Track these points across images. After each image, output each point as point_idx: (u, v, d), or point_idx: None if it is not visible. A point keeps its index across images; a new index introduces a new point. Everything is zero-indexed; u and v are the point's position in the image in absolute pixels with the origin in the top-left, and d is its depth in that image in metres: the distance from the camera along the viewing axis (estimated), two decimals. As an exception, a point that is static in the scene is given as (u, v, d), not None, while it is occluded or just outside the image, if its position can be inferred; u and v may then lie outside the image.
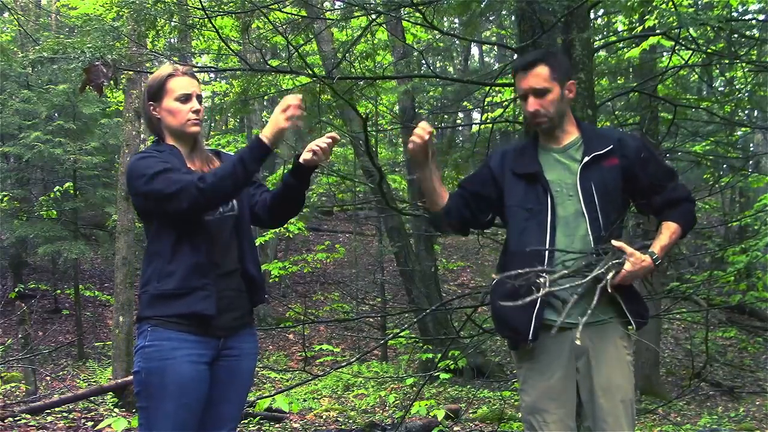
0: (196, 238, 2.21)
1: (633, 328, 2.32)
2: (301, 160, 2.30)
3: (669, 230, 2.34)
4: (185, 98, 2.29)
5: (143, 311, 2.22)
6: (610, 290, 2.19)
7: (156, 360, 2.16)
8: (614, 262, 2.20)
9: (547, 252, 2.28)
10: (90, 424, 5.72)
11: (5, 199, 12.64)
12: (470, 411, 7.57)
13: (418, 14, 4.12)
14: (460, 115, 12.46)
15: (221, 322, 2.24)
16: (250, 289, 2.34)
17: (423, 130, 2.29)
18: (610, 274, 2.18)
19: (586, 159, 2.32)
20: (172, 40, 12.64)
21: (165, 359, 2.15)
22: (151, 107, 2.32)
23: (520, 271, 2.20)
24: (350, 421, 7.05)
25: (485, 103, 6.78)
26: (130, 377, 6.59)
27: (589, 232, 2.28)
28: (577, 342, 2.09)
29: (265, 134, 2.17)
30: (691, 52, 4.91)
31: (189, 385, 2.17)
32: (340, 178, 8.54)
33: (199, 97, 2.32)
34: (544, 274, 2.17)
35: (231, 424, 2.34)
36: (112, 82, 3.19)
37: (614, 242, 2.24)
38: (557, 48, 3.56)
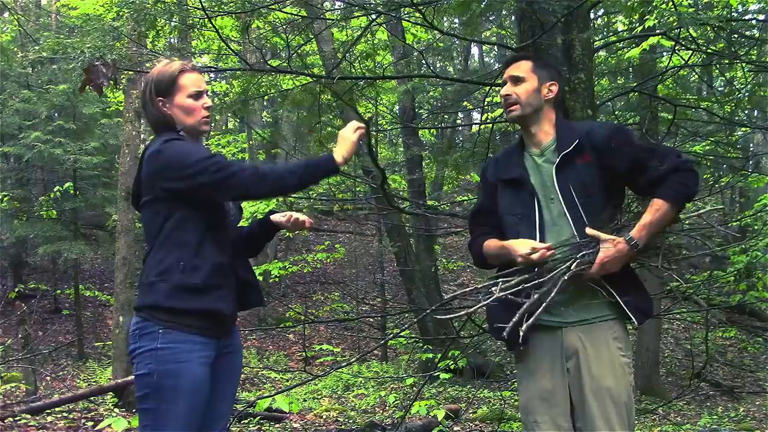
0: (219, 236, 2.24)
1: (635, 323, 2.28)
2: (272, 217, 2.43)
3: (652, 208, 2.25)
4: (198, 95, 2.27)
5: (161, 301, 2.13)
6: (562, 277, 2.18)
7: (171, 362, 2.12)
8: (584, 253, 2.20)
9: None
10: (90, 424, 5.72)
11: (5, 199, 12.64)
12: (470, 411, 7.57)
13: (418, 14, 4.12)
14: (460, 115, 12.45)
15: (230, 321, 2.28)
16: (243, 290, 2.35)
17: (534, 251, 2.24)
18: (573, 266, 2.17)
19: (558, 160, 2.32)
20: (172, 40, 12.64)
21: (180, 362, 2.13)
22: (161, 103, 2.27)
23: (470, 288, 2.31)
24: (350, 421, 7.05)
25: (485, 103, 6.77)
26: (131, 377, 6.58)
27: (575, 232, 2.27)
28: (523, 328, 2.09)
29: (340, 154, 2.22)
30: (691, 52, 4.91)
31: (201, 386, 2.17)
32: (341, 176, 8.53)
33: (208, 94, 2.32)
34: (498, 282, 2.20)
35: (225, 420, 2.35)
36: (112, 82, 3.19)
37: (588, 231, 2.23)
38: (557, 48, 3.56)
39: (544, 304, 2.13)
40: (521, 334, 2.16)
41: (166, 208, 2.19)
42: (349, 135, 2.24)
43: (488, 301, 2.17)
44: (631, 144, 2.33)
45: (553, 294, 2.14)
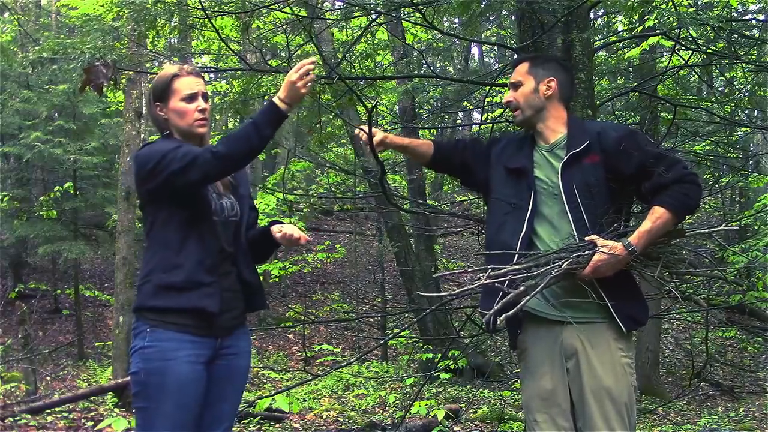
0: (205, 235, 2.23)
1: (624, 330, 2.27)
2: (272, 228, 2.37)
3: (652, 215, 2.23)
4: (191, 98, 2.30)
5: (145, 301, 2.20)
6: (578, 280, 2.20)
7: (156, 360, 2.15)
8: (579, 254, 2.19)
9: (518, 248, 2.28)
10: (90, 424, 5.72)
11: (5, 199, 12.63)
12: (470, 411, 7.57)
13: (418, 14, 4.11)
14: (460, 115, 12.45)
15: (221, 321, 2.25)
16: (245, 292, 2.35)
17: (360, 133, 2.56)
18: (565, 264, 2.16)
19: (565, 158, 2.32)
20: (172, 41, 12.64)
21: (166, 360, 2.15)
22: (158, 107, 2.34)
23: (458, 270, 2.31)
24: (350, 421, 7.05)
25: (485, 103, 6.77)
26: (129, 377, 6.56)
27: (575, 232, 2.27)
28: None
29: (281, 98, 2.17)
30: (691, 52, 4.90)
31: (188, 385, 2.17)
32: (342, 174, 8.53)
33: (205, 96, 2.33)
34: (486, 270, 2.20)
35: (228, 423, 2.35)
36: (112, 82, 3.19)
37: (587, 238, 2.22)
38: (557, 48, 3.56)
39: (528, 297, 2.13)
40: (498, 322, 2.14)
41: (152, 211, 2.26)
42: (292, 81, 2.16)
43: (474, 285, 2.18)
44: (641, 148, 2.31)
45: (539, 288, 2.13)
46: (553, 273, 2.15)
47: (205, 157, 2.13)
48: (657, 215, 2.23)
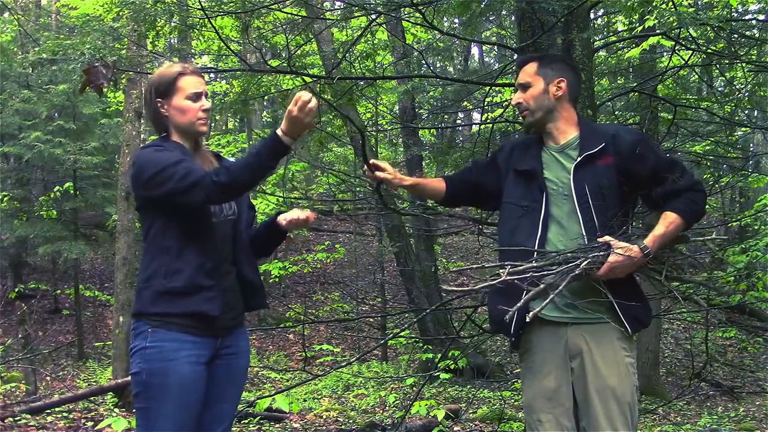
0: (203, 238, 2.23)
1: (629, 331, 2.28)
2: (278, 219, 2.39)
3: (665, 220, 2.27)
4: (196, 97, 2.30)
5: (146, 307, 2.20)
6: (590, 280, 2.20)
7: (158, 361, 2.16)
8: (595, 254, 2.19)
9: (536, 250, 2.28)
10: (90, 424, 5.72)
11: (5, 199, 12.63)
12: (470, 411, 7.57)
13: (418, 14, 4.11)
14: (460, 115, 12.44)
15: (222, 322, 2.26)
16: (245, 291, 2.36)
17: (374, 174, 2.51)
18: (583, 264, 2.16)
19: (579, 159, 2.32)
20: (172, 41, 12.64)
21: (168, 360, 2.15)
22: (159, 104, 2.32)
23: (473, 266, 2.29)
24: (350, 421, 7.05)
25: (485, 103, 6.77)
26: (130, 378, 6.58)
27: (584, 232, 2.27)
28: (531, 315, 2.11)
29: (284, 131, 2.16)
30: (691, 52, 4.91)
31: (189, 385, 2.17)
32: (340, 178, 8.53)
33: (207, 96, 2.34)
34: (505, 267, 2.19)
35: (227, 422, 2.36)
36: (111, 83, 3.19)
37: (601, 238, 2.23)
38: (557, 48, 3.56)
39: (552, 296, 2.13)
40: (527, 320, 2.15)
41: (150, 215, 2.26)
42: (294, 115, 2.14)
43: (495, 282, 2.16)
44: (655, 153, 2.36)
45: (561, 288, 2.14)
46: (575, 272, 2.16)
47: (207, 182, 2.13)
48: (670, 220, 2.27)
